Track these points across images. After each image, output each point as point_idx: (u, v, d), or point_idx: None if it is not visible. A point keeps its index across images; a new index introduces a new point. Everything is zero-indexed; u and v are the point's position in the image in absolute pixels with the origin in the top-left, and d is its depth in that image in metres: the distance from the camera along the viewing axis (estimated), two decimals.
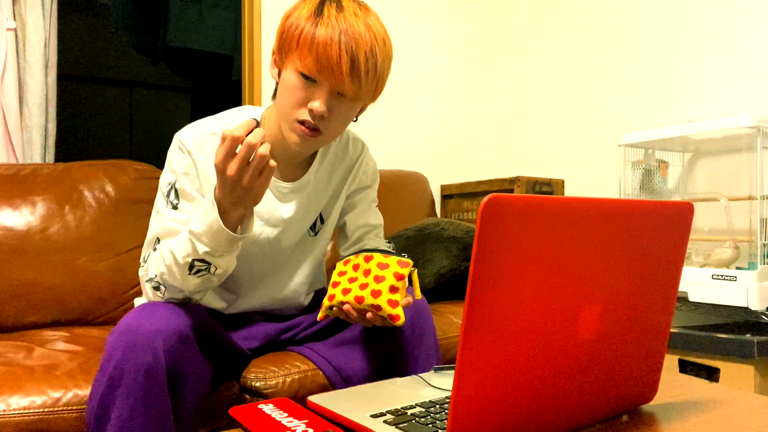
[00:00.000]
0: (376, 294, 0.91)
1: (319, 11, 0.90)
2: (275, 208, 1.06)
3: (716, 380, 1.49)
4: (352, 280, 0.96)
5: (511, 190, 2.24)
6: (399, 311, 0.91)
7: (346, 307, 0.94)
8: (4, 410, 0.94)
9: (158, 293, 0.95)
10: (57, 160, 1.87)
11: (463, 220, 2.47)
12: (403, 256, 0.95)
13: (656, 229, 0.62)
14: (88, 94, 3.77)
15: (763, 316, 1.56)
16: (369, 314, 0.92)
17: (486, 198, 0.47)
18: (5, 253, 1.48)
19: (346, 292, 0.94)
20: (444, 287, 1.85)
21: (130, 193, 1.67)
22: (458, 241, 1.85)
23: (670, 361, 1.59)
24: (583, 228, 0.54)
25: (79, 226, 1.57)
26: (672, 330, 1.59)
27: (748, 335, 1.46)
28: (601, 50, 2.28)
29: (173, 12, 3.32)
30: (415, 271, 0.96)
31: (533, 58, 2.57)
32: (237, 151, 0.81)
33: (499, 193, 0.48)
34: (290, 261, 1.14)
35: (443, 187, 2.61)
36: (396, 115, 2.55)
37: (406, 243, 1.92)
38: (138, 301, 1.20)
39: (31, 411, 0.95)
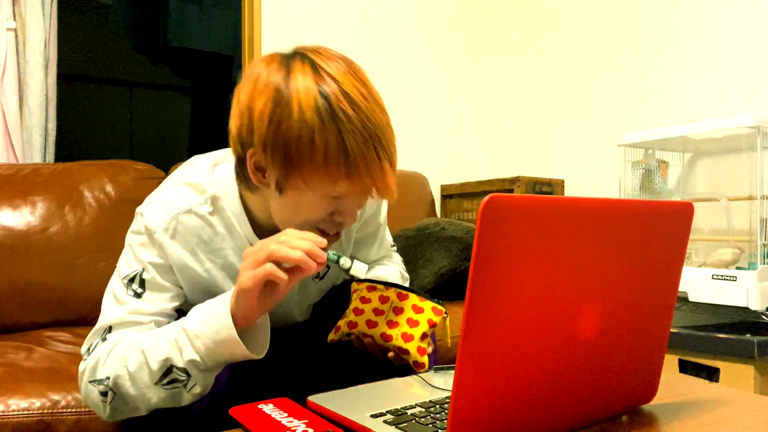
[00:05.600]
0: (407, 338, 0.84)
1: (329, 111, 0.71)
2: None
3: (716, 380, 1.49)
4: (377, 312, 0.87)
5: (511, 190, 2.24)
6: (425, 359, 0.85)
7: (367, 340, 0.86)
8: (3, 411, 0.94)
9: (103, 400, 0.76)
10: (57, 160, 1.87)
11: (463, 220, 2.47)
12: (438, 302, 0.88)
13: (656, 229, 0.62)
14: (88, 94, 3.77)
15: (763, 316, 1.56)
16: (391, 354, 0.85)
17: (486, 198, 0.47)
18: (5, 253, 1.48)
19: (371, 324, 0.86)
20: (444, 287, 1.85)
21: (130, 193, 1.67)
22: (458, 241, 1.85)
23: (670, 361, 1.59)
24: (583, 228, 0.54)
25: (79, 226, 1.57)
26: (672, 330, 1.59)
27: (748, 335, 1.46)
28: (602, 50, 2.28)
29: (173, 12, 3.31)
30: (448, 319, 0.90)
31: (533, 57, 2.56)
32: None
33: (499, 193, 0.48)
34: (291, 303, 1.03)
35: (443, 187, 2.61)
36: (396, 115, 2.54)
37: (406, 243, 1.92)
38: None
39: (31, 412, 0.95)
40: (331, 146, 0.71)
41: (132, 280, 0.82)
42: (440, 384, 0.80)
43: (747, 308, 1.49)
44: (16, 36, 1.80)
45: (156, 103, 3.95)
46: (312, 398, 0.72)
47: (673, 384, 0.83)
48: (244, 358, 0.73)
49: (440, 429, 0.62)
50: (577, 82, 2.37)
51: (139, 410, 0.78)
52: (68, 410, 0.97)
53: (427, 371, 0.88)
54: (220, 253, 0.86)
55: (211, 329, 0.72)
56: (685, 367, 1.57)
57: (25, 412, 0.95)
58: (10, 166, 1.61)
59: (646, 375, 0.68)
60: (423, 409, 0.68)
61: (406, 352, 0.84)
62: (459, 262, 1.82)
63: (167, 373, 0.73)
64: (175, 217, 0.83)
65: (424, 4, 2.64)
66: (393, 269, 1.10)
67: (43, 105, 1.83)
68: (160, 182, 1.76)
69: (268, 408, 0.71)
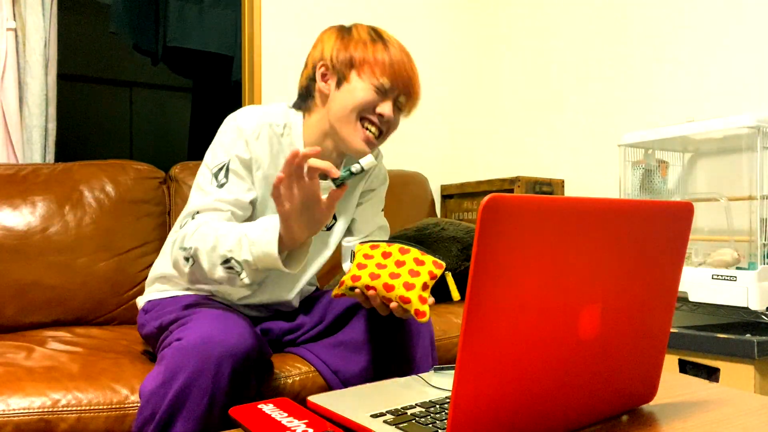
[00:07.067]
0: (408, 287, 0.91)
1: (379, 38, 1.08)
2: None
3: (716, 380, 1.49)
4: (380, 266, 0.94)
5: (511, 190, 2.24)
6: (426, 308, 0.91)
7: (371, 292, 0.93)
8: (4, 410, 0.94)
9: (186, 263, 0.97)
10: (57, 160, 1.87)
11: (463, 220, 2.47)
12: (438, 258, 0.95)
13: (656, 229, 0.62)
14: (88, 94, 3.76)
15: (763, 316, 1.56)
16: (394, 304, 0.92)
17: (486, 198, 0.47)
18: (5, 253, 1.48)
19: (374, 276, 0.93)
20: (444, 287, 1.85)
21: (130, 193, 1.67)
22: (458, 241, 1.85)
23: (670, 361, 1.59)
24: (583, 228, 0.54)
25: (79, 226, 1.57)
26: (672, 330, 1.59)
27: (748, 335, 1.46)
28: (602, 50, 2.28)
29: (173, 12, 3.31)
30: (450, 274, 0.97)
31: (533, 57, 2.56)
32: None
33: (499, 193, 0.48)
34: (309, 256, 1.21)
35: (443, 187, 2.61)
36: None
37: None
38: (140, 301, 1.20)
39: (31, 411, 0.95)
40: (379, 53, 1.06)
41: (219, 170, 1.04)
42: (440, 384, 0.80)
43: (747, 308, 1.49)
44: (16, 36, 1.80)
45: (156, 103, 3.94)
46: (312, 398, 0.72)
47: (673, 384, 0.83)
48: (276, 269, 0.95)
49: (440, 429, 0.62)
50: (577, 82, 2.37)
51: (210, 280, 0.97)
52: (69, 409, 0.98)
53: (428, 375, 0.88)
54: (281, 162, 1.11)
55: (264, 242, 0.91)
56: (685, 367, 1.57)
57: (26, 411, 0.95)
58: (10, 166, 1.61)
59: (646, 375, 0.68)
60: (423, 409, 0.68)
61: (408, 300, 0.90)
62: (459, 262, 1.82)
63: (227, 261, 0.93)
64: (262, 125, 1.08)
65: (424, 3, 2.64)
66: None
67: (43, 105, 1.83)
68: (160, 182, 1.77)
69: (268, 408, 0.71)
